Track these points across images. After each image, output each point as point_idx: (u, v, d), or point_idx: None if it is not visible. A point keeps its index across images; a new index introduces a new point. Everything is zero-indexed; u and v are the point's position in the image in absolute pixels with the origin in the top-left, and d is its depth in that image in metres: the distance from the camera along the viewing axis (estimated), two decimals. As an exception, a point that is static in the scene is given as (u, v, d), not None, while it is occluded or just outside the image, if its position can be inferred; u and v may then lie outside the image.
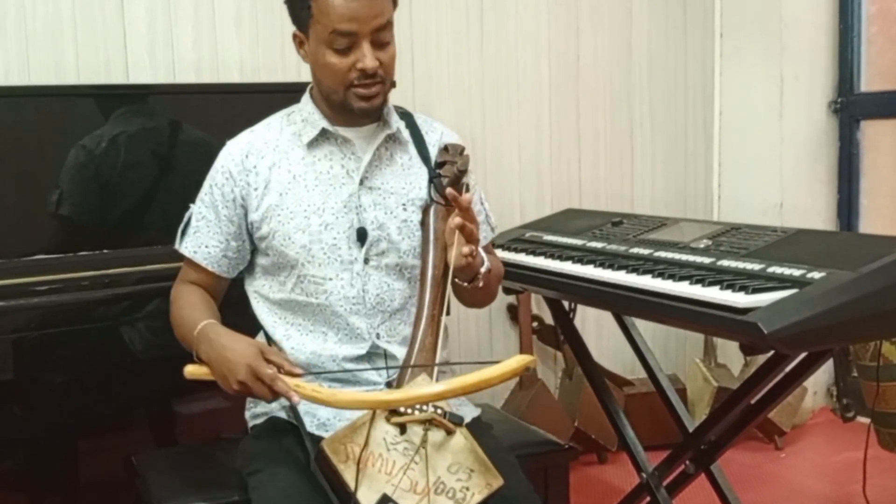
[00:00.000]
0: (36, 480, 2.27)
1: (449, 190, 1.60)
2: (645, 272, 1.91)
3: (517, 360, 1.49)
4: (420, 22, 3.13)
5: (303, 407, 1.67)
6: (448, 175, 1.73)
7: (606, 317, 2.94)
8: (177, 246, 1.80)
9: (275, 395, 1.53)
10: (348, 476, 1.47)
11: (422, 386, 1.55)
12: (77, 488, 2.29)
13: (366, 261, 1.71)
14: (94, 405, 2.30)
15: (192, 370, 1.62)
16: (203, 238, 1.76)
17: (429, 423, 1.53)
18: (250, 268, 1.80)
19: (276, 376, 1.52)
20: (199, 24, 2.76)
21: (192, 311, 1.72)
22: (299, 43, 1.72)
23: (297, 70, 2.74)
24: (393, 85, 1.76)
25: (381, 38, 1.65)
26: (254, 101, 2.47)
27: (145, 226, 2.45)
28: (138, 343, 2.23)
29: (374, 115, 1.73)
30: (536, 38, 3.34)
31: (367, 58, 1.63)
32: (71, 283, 2.17)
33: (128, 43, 2.67)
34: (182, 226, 1.80)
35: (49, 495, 2.28)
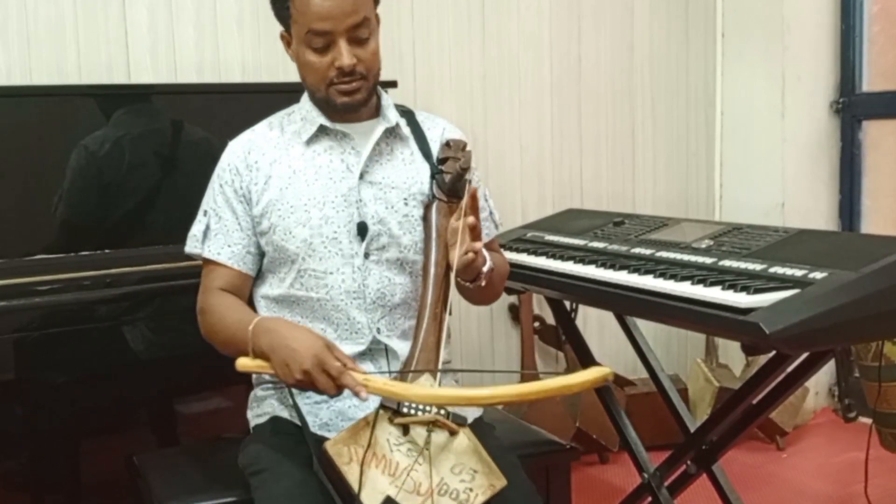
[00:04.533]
0: (37, 480, 2.26)
1: (472, 188, 1.58)
2: (646, 272, 1.91)
3: (597, 371, 1.43)
4: (422, 22, 3.13)
5: (305, 407, 1.67)
6: (450, 171, 1.72)
7: (608, 317, 2.94)
8: (197, 251, 1.76)
9: (339, 389, 1.51)
10: (351, 477, 1.47)
11: (470, 388, 1.52)
12: (79, 488, 2.29)
13: (366, 255, 1.71)
14: (95, 405, 2.29)
15: (244, 363, 1.59)
16: (224, 238, 1.74)
17: (432, 424, 1.52)
18: None
19: (343, 370, 1.50)
20: (200, 24, 2.76)
21: (237, 312, 1.69)
22: (287, 43, 1.74)
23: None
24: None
25: (358, 35, 1.65)
26: (256, 101, 2.47)
27: (146, 226, 2.45)
28: (140, 343, 2.23)
29: (357, 109, 1.73)
30: (538, 38, 3.34)
31: (344, 56, 1.64)
32: (72, 283, 2.17)
33: (129, 43, 2.68)
34: (201, 232, 1.76)
35: (51, 495, 2.28)
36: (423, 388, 1.52)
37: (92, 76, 2.62)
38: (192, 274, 2.03)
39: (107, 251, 2.35)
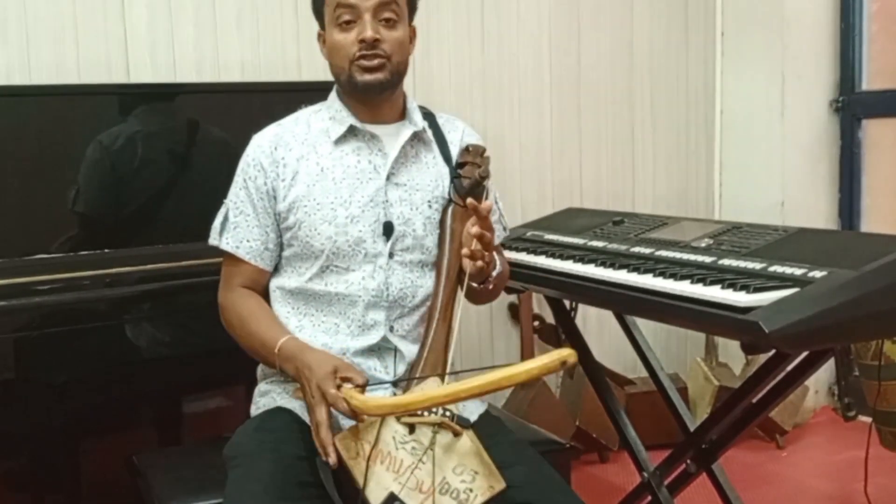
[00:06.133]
0: (38, 480, 2.27)
1: (470, 201, 1.61)
2: (646, 271, 1.90)
3: (557, 354, 1.38)
4: (422, 22, 3.10)
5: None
6: (468, 176, 1.76)
7: (608, 316, 2.94)
8: (215, 242, 1.79)
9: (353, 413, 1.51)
10: (357, 472, 1.49)
11: (443, 385, 1.53)
12: (79, 488, 2.29)
13: (390, 255, 1.73)
14: (96, 404, 2.30)
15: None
16: (243, 233, 1.76)
17: (438, 425, 1.54)
18: None
19: (338, 397, 1.50)
20: (199, 23, 2.76)
21: (259, 324, 1.72)
22: (323, 41, 1.78)
23: (297, 69, 2.74)
24: (401, 74, 1.77)
25: (384, 15, 1.71)
26: (255, 101, 2.47)
27: (147, 225, 2.45)
28: (140, 342, 2.24)
29: (379, 91, 1.74)
30: (538, 37, 3.34)
31: (368, 28, 1.68)
32: (72, 283, 2.17)
33: (129, 42, 2.67)
34: (219, 222, 1.79)
35: (51, 495, 2.28)
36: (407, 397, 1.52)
37: (91, 76, 2.62)
38: (193, 273, 2.04)
39: (106, 251, 2.35)
